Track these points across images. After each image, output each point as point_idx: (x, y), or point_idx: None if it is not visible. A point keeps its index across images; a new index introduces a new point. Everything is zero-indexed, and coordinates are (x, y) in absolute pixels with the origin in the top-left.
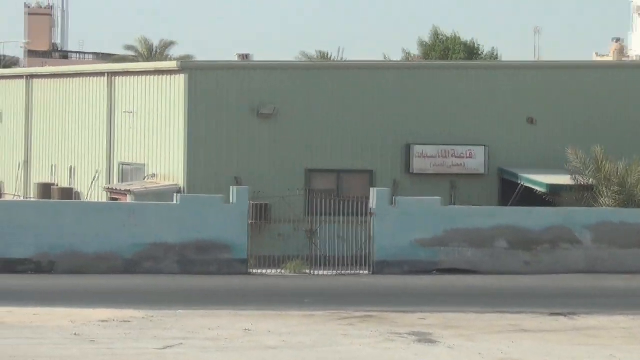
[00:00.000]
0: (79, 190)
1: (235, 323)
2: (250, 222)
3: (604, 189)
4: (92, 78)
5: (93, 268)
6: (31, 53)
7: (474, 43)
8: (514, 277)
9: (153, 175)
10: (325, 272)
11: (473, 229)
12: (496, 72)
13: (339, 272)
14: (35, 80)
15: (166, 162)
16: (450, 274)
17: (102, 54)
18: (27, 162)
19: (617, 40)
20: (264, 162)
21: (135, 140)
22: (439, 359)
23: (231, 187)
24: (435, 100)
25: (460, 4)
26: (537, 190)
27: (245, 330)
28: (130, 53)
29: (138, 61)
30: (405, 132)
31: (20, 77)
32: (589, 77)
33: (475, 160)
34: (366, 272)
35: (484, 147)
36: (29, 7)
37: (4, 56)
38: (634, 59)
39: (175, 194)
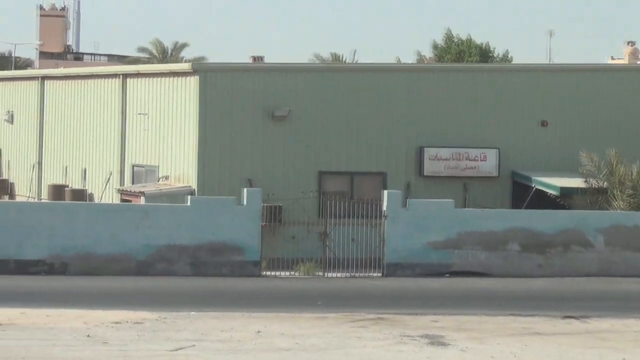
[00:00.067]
0: (91, 192)
1: (247, 325)
2: (262, 224)
3: (618, 192)
4: (105, 80)
5: (106, 269)
6: (44, 55)
7: (487, 46)
8: (526, 280)
9: (166, 177)
10: (338, 275)
11: (486, 231)
12: (509, 75)
13: (351, 274)
14: (48, 82)
15: (179, 164)
16: (462, 276)
17: (116, 55)
18: (39, 164)
19: (631, 43)
20: (277, 164)
21: (148, 142)
22: None
23: (244, 189)
24: (448, 103)
25: (474, 7)
26: (549, 193)
27: (258, 332)
28: (144, 55)
29: (151, 63)
30: (418, 135)
31: (33, 78)
32: (602, 80)
33: (488, 162)
34: (378, 274)
35: (496, 149)
36: (42, 9)
37: (18, 58)
38: None
39: (187, 196)
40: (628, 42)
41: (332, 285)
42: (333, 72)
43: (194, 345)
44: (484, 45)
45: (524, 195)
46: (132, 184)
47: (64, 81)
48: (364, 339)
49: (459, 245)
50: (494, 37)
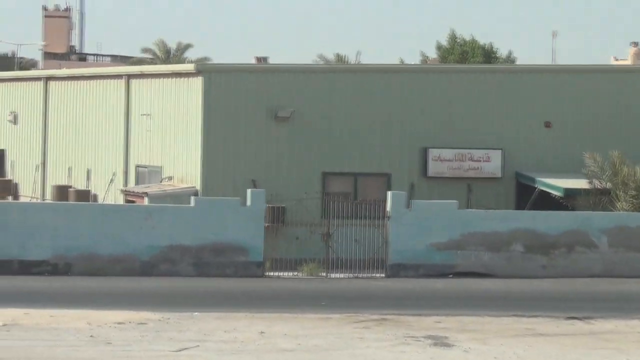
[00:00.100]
0: (95, 193)
1: (250, 326)
2: (266, 224)
3: (621, 193)
4: (109, 80)
5: (109, 270)
6: (48, 55)
7: (491, 46)
8: (530, 281)
9: (170, 178)
10: (341, 275)
11: (490, 232)
12: (513, 76)
13: (354, 275)
14: (52, 83)
15: (183, 165)
16: (466, 277)
17: (120, 56)
18: (43, 164)
19: (635, 44)
20: (281, 164)
21: (152, 142)
22: None
23: (247, 190)
24: (452, 104)
25: (478, 7)
26: (553, 194)
27: (261, 332)
28: (148, 56)
29: (155, 64)
30: (422, 136)
31: (37, 79)
32: (605, 81)
33: (491, 163)
34: (382, 275)
35: (500, 150)
36: (46, 9)
37: (22, 58)
38: None
39: (191, 197)
40: (632, 43)
41: (336, 286)
42: (337, 73)
43: (198, 345)
44: (487, 46)
45: (527, 196)
46: (136, 184)
47: (67, 82)
48: (368, 339)
49: (463, 246)
50: (498, 38)
